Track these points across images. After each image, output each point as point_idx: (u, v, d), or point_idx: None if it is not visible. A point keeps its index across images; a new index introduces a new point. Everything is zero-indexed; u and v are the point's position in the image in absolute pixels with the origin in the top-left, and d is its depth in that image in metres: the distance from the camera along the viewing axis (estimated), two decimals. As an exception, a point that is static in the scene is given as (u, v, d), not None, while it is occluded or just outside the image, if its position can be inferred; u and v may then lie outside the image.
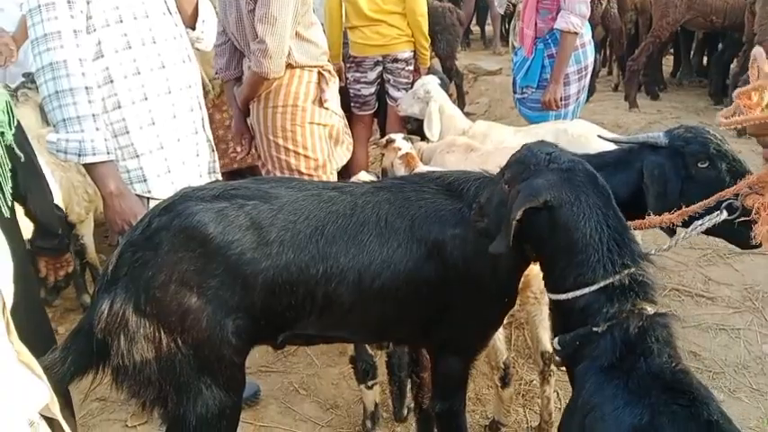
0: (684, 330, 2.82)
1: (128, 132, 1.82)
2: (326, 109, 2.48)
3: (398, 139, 3.13)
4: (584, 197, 1.20)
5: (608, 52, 7.19)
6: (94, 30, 1.74)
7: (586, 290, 1.18)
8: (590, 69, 3.51)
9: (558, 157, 1.27)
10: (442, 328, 1.53)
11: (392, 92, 3.81)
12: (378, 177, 2.70)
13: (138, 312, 1.35)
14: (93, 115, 1.70)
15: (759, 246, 1.39)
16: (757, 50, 1.08)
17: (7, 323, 0.92)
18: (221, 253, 1.36)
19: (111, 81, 1.78)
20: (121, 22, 1.78)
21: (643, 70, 5.95)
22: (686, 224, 1.37)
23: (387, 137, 3.22)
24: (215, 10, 2.35)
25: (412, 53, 3.76)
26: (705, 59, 6.85)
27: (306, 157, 2.47)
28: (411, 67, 3.78)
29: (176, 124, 1.91)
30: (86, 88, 1.68)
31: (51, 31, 1.66)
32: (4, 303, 0.92)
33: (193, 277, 1.35)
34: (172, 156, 1.90)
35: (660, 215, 1.38)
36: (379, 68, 3.76)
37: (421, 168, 2.96)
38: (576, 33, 3.17)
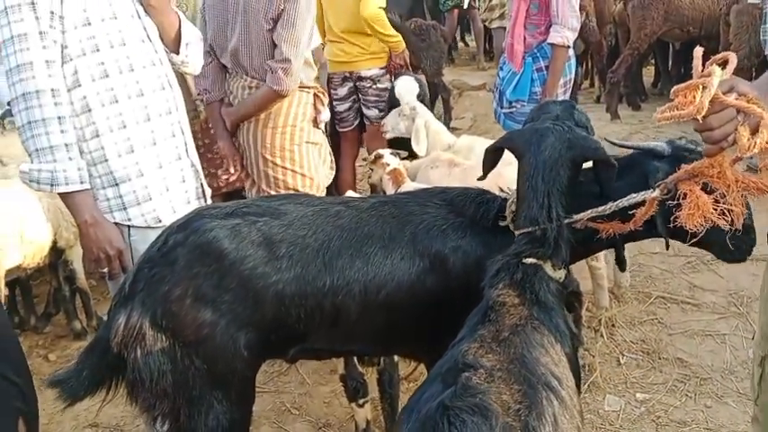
0: (671, 337, 3.01)
1: (106, 160, 1.87)
2: (319, 129, 2.65)
3: (386, 154, 3.29)
4: (535, 155, 1.42)
5: (589, 65, 7.49)
6: (71, 59, 1.79)
7: (516, 231, 1.44)
8: (573, 82, 3.73)
9: (545, 118, 1.49)
10: (447, 340, 1.66)
11: (364, 110, 3.99)
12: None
13: (154, 326, 1.46)
14: (66, 145, 1.76)
15: (743, 259, 1.56)
16: (697, 50, 1.19)
17: None
18: (235, 268, 1.48)
19: (89, 110, 1.83)
20: (98, 50, 1.83)
21: (624, 82, 6.24)
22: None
23: (375, 153, 3.38)
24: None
25: (379, 71, 3.93)
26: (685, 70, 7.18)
27: (302, 175, 2.63)
28: (381, 85, 3.94)
29: (157, 151, 1.95)
30: (59, 118, 1.75)
31: (23, 63, 1.71)
32: None
33: (209, 292, 1.47)
34: (153, 183, 1.95)
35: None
36: (349, 84, 3.93)
37: (408, 184, 3.13)
38: (568, 47, 3.38)
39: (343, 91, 3.95)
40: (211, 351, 1.49)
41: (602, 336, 3.05)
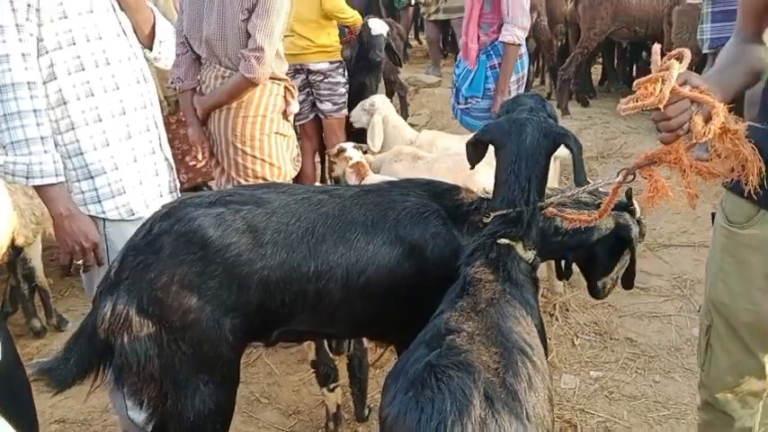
0: (621, 319, 3.21)
1: (81, 153, 1.88)
2: (288, 121, 2.72)
3: (349, 148, 3.38)
4: (515, 145, 1.53)
5: (540, 63, 7.74)
6: (46, 51, 1.81)
7: (492, 213, 1.56)
8: (525, 79, 3.90)
9: (521, 110, 1.60)
10: (420, 323, 1.74)
11: (317, 104, 4.09)
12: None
13: (140, 313, 1.50)
14: (42, 138, 1.78)
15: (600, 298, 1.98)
16: (655, 47, 1.32)
17: None
18: (220, 255, 1.53)
19: (65, 103, 1.85)
20: (74, 44, 1.84)
21: (573, 79, 6.49)
22: None
23: (338, 146, 3.47)
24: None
25: (330, 65, 4.03)
26: (630, 68, 7.52)
27: (271, 164, 2.69)
28: (332, 79, 4.05)
29: (132, 144, 1.97)
30: (35, 111, 1.76)
31: (0, 55, 1.74)
32: None
33: (194, 279, 1.51)
34: (127, 176, 1.97)
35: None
36: (302, 76, 4.02)
37: (372, 177, 3.23)
38: (519, 45, 3.53)
39: (295, 83, 4.02)
40: (197, 336, 1.54)
41: (557, 319, 3.22)
